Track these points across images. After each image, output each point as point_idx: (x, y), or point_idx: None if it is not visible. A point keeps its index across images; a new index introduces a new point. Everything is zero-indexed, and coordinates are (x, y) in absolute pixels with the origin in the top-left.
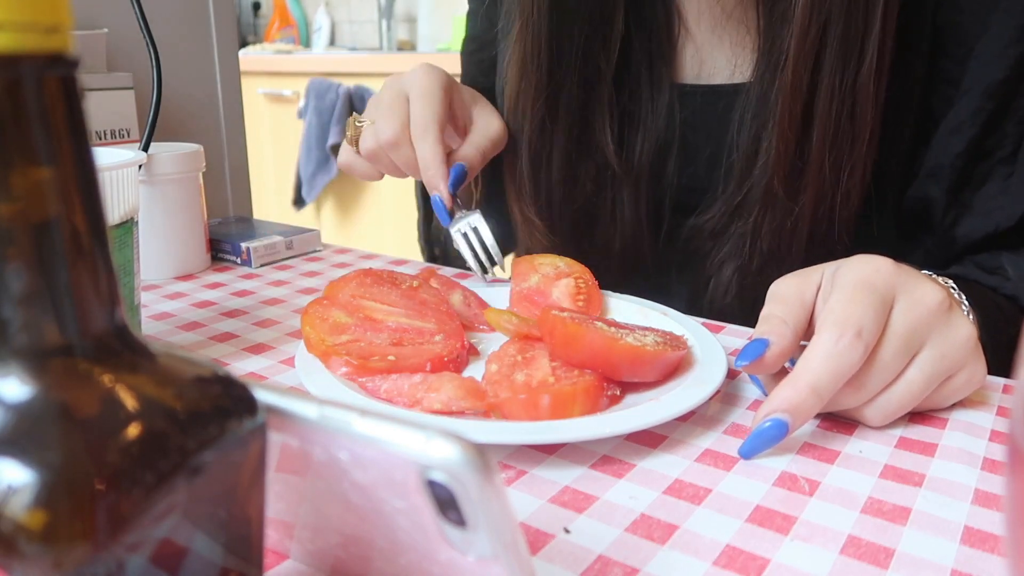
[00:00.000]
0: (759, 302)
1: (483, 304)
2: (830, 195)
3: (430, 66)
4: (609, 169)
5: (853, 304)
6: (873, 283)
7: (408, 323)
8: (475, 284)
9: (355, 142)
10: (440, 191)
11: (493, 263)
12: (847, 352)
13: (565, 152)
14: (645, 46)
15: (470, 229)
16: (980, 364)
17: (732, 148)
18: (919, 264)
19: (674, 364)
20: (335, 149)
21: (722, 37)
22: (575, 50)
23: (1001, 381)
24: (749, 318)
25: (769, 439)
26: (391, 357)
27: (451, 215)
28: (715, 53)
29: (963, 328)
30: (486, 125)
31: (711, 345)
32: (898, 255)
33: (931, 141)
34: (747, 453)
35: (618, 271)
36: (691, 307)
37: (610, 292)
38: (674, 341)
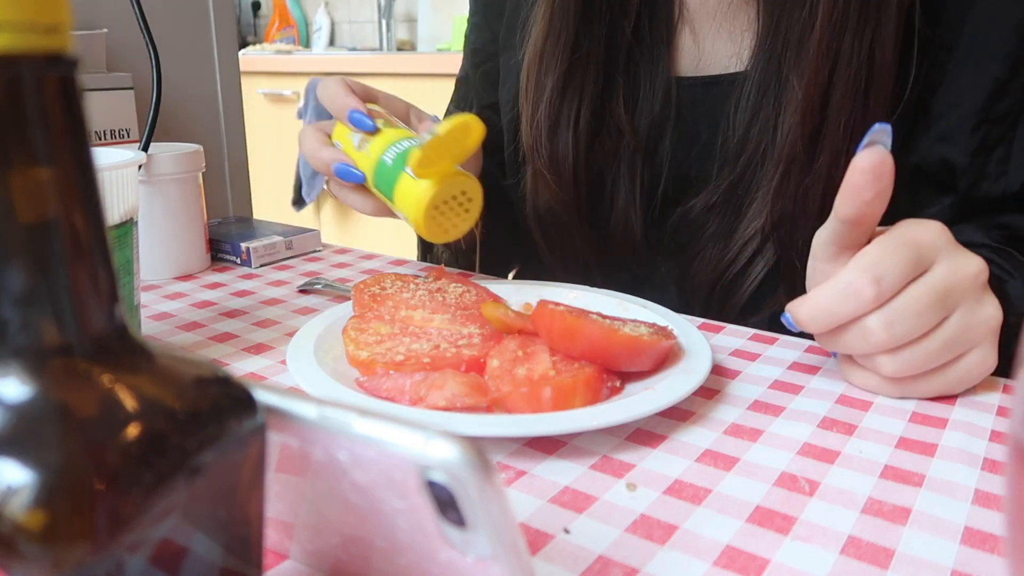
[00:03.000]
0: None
1: (495, 299)
2: (843, 155)
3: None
4: (622, 138)
5: (886, 254)
6: (917, 241)
7: (445, 325)
8: (483, 280)
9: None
10: (353, 104)
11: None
12: (859, 292)
13: (587, 115)
14: (648, 27)
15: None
16: (994, 349)
17: (730, 132)
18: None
19: (666, 353)
20: None
21: (722, 25)
22: (604, 10)
23: (1001, 381)
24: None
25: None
26: (426, 360)
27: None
28: (715, 41)
29: (991, 306)
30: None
31: (691, 333)
32: (912, 213)
33: (930, 105)
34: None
35: (613, 250)
36: (679, 288)
37: (590, 288)
38: (663, 331)
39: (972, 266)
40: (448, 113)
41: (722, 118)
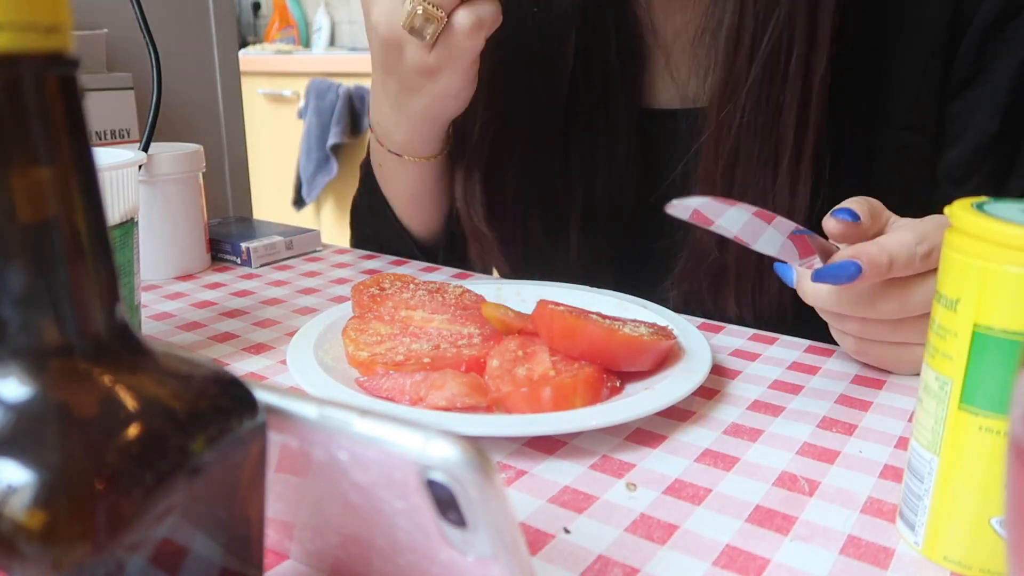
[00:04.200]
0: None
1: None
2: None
3: None
4: (561, 197)
5: (938, 232)
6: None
7: (445, 326)
8: (483, 280)
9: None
10: None
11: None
12: (919, 255)
13: (519, 178)
14: (599, 76)
15: None
16: None
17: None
18: None
19: (666, 353)
20: (335, 149)
21: (690, 63)
22: (524, 82)
23: None
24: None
25: (843, 275)
26: (426, 360)
27: None
28: (686, 78)
29: None
30: None
31: (691, 333)
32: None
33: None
34: (817, 277)
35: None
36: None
37: (589, 288)
38: (663, 331)
39: None
40: None
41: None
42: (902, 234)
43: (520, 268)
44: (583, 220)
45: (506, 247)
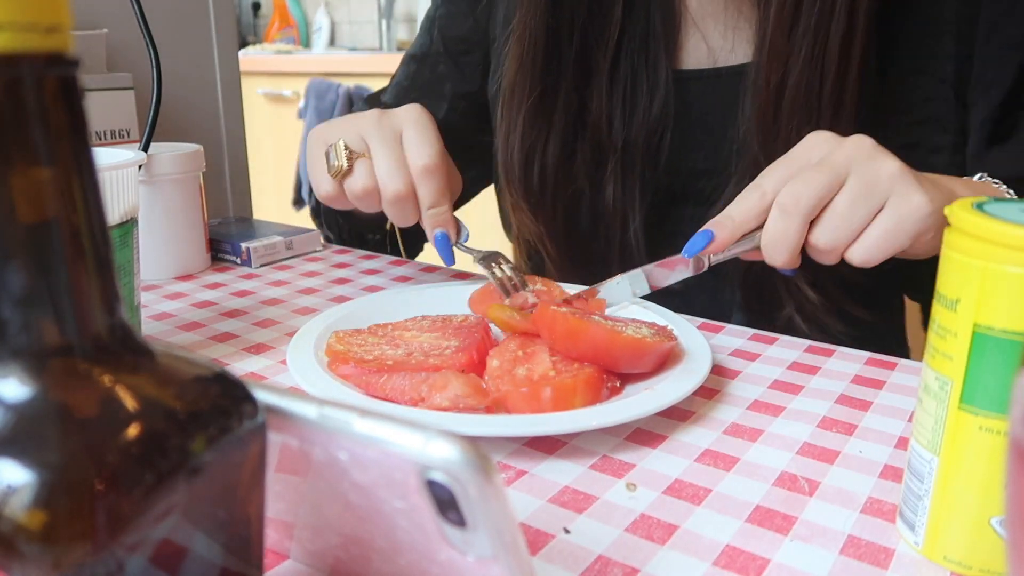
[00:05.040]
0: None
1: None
2: None
3: (420, 106)
4: (604, 150)
5: (765, 173)
6: (793, 154)
7: (430, 340)
8: (475, 285)
9: (341, 176)
10: (448, 230)
11: (524, 286)
12: (746, 197)
13: (563, 135)
14: (642, 32)
15: (494, 263)
16: (913, 193)
17: (738, 128)
18: None
19: (667, 354)
20: None
21: (726, 21)
22: (574, 41)
23: None
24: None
25: (700, 242)
26: (389, 362)
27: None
28: (717, 37)
29: (888, 162)
30: (456, 177)
31: (691, 333)
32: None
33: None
34: (685, 251)
35: (602, 256)
36: (713, 286)
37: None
38: (664, 332)
39: (852, 140)
40: (401, 90)
41: (728, 114)
42: (742, 194)
43: (554, 225)
44: (622, 164)
45: (543, 197)
